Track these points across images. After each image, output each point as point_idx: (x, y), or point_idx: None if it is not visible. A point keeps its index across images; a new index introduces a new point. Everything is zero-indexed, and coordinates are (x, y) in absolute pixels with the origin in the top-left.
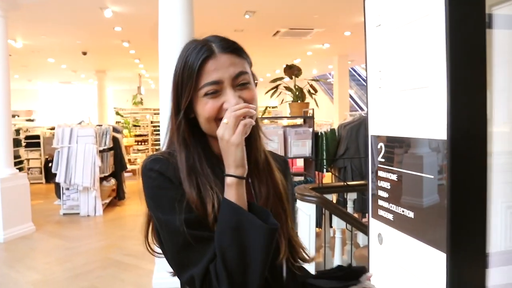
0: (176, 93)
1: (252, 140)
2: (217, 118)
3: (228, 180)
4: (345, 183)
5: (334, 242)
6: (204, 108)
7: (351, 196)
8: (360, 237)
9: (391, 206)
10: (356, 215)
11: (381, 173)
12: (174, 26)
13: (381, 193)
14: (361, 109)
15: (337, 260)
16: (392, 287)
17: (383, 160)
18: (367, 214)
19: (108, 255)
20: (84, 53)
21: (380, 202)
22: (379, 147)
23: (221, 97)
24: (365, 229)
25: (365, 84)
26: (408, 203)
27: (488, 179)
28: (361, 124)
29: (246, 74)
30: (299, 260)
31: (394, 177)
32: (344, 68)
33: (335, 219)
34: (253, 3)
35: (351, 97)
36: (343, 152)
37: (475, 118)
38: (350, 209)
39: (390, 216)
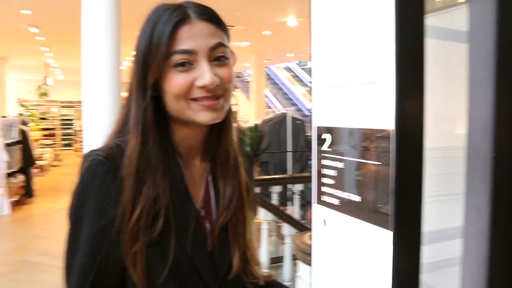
0: (142, 67)
1: (225, 127)
2: (188, 97)
3: None
4: (280, 175)
5: (260, 234)
6: (173, 83)
7: (275, 189)
8: (285, 228)
9: (336, 192)
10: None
11: (325, 162)
12: (98, 11)
13: (326, 180)
14: (275, 107)
15: (264, 250)
16: (338, 268)
17: (329, 149)
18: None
19: (22, 256)
20: None
21: (324, 189)
22: (323, 137)
23: (194, 71)
24: (291, 221)
25: (276, 83)
26: (356, 189)
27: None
28: (282, 121)
29: (225, 48)
30: (251, 278)
31: (340, 165)
32: (261, 66)
33: (262, 211)
34: None
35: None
36: (266, 146)
37: (418, 113)
38: (275, 202)
39: (335, 201)
